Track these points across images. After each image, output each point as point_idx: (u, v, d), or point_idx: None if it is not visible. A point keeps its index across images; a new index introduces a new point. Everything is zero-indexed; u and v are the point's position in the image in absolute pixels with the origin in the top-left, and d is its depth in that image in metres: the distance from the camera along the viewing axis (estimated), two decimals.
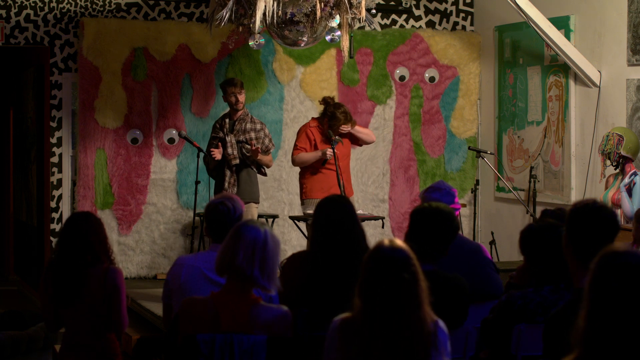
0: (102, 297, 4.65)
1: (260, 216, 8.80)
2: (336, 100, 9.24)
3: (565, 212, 4.06)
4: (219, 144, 7.84)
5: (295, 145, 8.08)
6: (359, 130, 8.13)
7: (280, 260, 4.02)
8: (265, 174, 8.15)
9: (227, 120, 7.95)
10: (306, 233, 8.06)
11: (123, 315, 4.71)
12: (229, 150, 7.83)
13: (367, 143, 8.32)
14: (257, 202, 8.05)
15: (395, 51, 9.74)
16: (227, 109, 8.15)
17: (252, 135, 7.91)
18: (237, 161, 7.84)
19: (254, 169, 7.98)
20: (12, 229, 12.10)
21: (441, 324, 3.23)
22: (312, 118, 8.30)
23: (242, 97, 7.93)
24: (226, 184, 7.81)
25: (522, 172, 9.22)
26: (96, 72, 8.94)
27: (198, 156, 7.98)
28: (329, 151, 7.79)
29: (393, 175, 9.78)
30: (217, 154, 7.80)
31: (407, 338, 3.11)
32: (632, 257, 2.47)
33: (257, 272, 3.84)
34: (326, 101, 8.00)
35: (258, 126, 7.98)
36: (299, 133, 8.12)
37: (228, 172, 7.84)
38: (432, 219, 4.32)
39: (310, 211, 7.38)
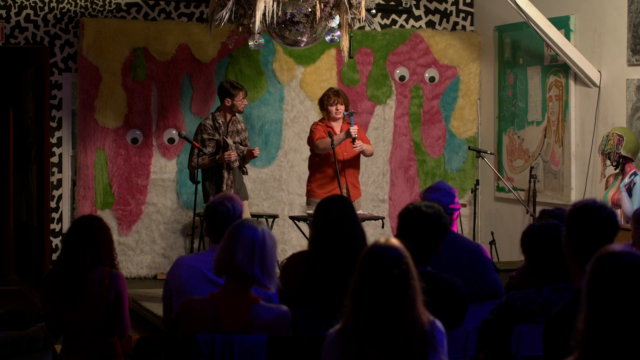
0: (104, 301, 4.67)
1: (260, 216, 8.82)
2: None
3: (564, 211, 4.05)
4: (230, 151, 7.86)
5: (311, 136, 8.06)
6: (363, 147, 8.11)
7: (280, 260, 4.02)
8: (247, 173, 8.20)
9: (220, 121, 7.96)
10: (307, 233, 8.10)
11: (125, 319, 4.74)
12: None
13: (367, 155, 8.30)
14: (247, 200, 8.23)
15: (395, 51, 9.74)
16: (215, 110, 8.12)
17: (243, 135, 8.02)
18: (238, 163, 7.90)
19: (242, 169, 8.07)
20: (12, 229, 12.10)
21: (438, 323, 3.23)
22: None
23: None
24: (224, 186, 7.84)
25: (522, 172, 9.22)
26: (96, 72, 8.94)
27: (198, 156, 7.98)
28: (353, 129, 7.78)
29: (393, 175, 9.78)
30: (233, 156, 7.83)
31: (401, 337, 3.11)
32: (627, 258, 2.47)
33: (257, 271, 3.85)
34: None
35: (244, 126, 8.15)
36: (310, 130, 8.15)
37: (226, 174, 7.87)
38: (418, 220, 4.30)
39: (312, 211, 7.40)
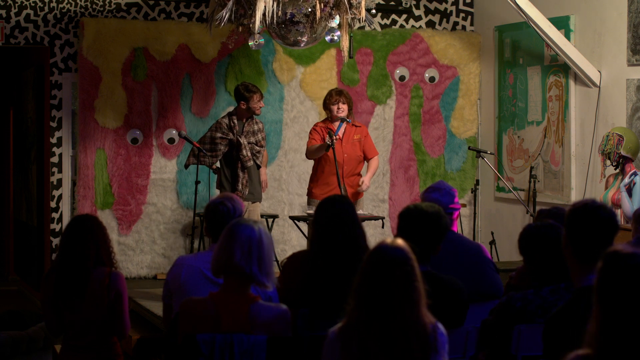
0: (105, 301, 4.66)
1: (260, 216, 8.82)
2: None
3: (562, 211, 4.05)
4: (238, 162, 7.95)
5: (308, 140, 8.15)
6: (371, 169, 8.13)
7: (280, 259, 4.03)
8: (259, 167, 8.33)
9: (236, 121, 8.01)
10: (306, 233, 8.12)
11: (126, 319, 4.74)
12: (244, 152, 7.95)
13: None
14: (260, 201, 8.32)
15: (395, 51, 9.74)
16: (230, 109, 8.23)
17: (259, 136, 8.08)
18: (252, 163, 7.97)
19: (258, 169, 8.15)
20: (12, 229, 12.10)
21: (440, 326, 3.23)
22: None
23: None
24: (240, 185, 7.95)
25: (522, 172, 9.22)
26: (96, 72, 8.94)
27: (198, 156, 7.99)
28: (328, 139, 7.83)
29: (393, 175, 9.78)
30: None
31: (402, 338, 3.10)
32: (635, 259, 2.46)
33: (256, 269, 3.85)
34: None
35: (261, 126, 8.21)
36: (310, 132, 8.20)
37: (241, 174, 7.95)
38: (419, 220, 4.30)
39: (311, 211, 7.42)
